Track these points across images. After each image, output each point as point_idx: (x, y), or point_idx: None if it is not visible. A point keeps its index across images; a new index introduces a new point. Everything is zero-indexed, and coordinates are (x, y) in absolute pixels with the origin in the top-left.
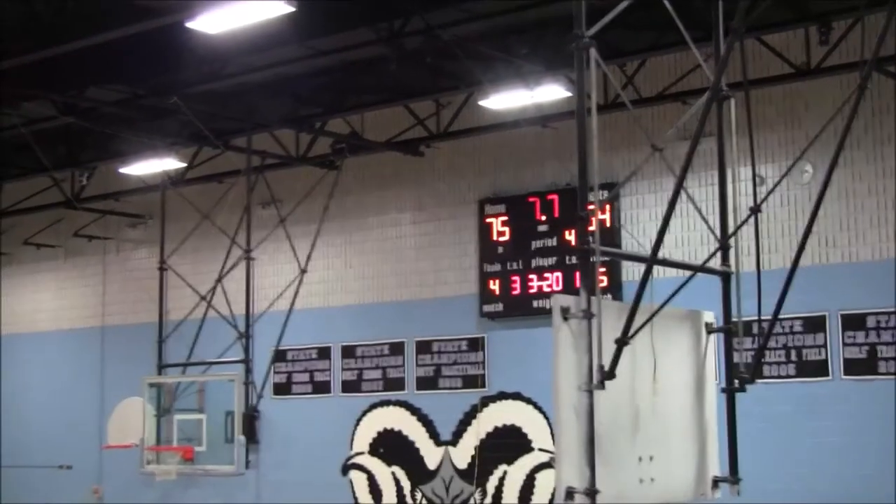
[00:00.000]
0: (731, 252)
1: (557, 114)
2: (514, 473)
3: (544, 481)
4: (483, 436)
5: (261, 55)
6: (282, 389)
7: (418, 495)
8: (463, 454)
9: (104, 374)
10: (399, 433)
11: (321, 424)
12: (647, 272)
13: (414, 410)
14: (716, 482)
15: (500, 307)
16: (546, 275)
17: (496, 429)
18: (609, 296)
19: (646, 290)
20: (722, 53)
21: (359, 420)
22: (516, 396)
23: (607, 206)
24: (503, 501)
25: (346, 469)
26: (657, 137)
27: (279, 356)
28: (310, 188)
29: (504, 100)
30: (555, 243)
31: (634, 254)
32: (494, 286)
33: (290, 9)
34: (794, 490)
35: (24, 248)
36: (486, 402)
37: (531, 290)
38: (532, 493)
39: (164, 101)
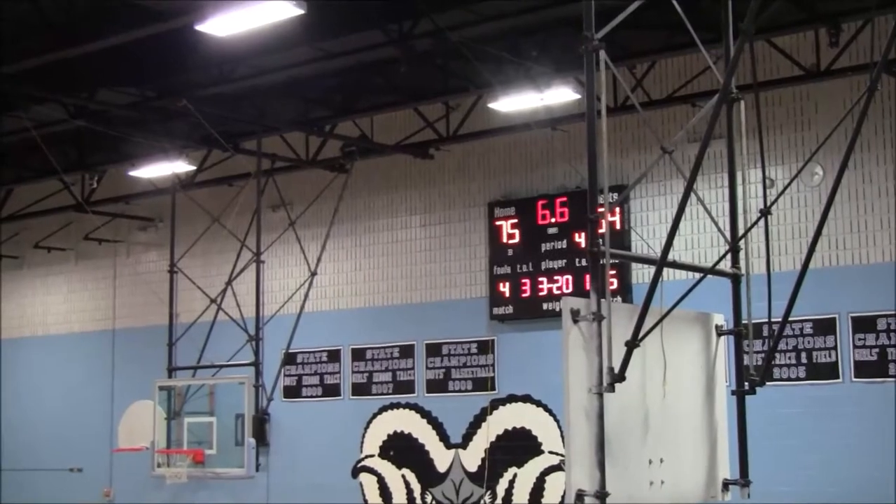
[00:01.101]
0: (741, 254)
1: (567, 116)
2: (524, 476)
3: (554, 484)
4: (493, 438)
5: (271, 58)
6: (292, 392)
7: (428, 498)
8: (473, 457)
9: (114, 377)
10: (409, 436)
11: (331, 427)
12: (657, 274)
13: (424, 413)
14: (726, 484)
15: (509, 310)
16: (556, 277)
17: (506, 431)
18: (619, 298)
19: (656, 293)
20: (732, 55)
21: (369, 423)
22: (526, 399)
23: (617, 209)
24: None
25: (356, 472)
26: (667, 139)
27: (289, 359)
28: (319, 191)
29: (513, 102)
30: (564, 246)
31: (644, 256)
32: (504, 289)
33: (300, 11)
34: (804, 492)
35: (34, 252)
36: (495, 404)
37: (541, 293)
38: (542, 496)
39: (174, 103)
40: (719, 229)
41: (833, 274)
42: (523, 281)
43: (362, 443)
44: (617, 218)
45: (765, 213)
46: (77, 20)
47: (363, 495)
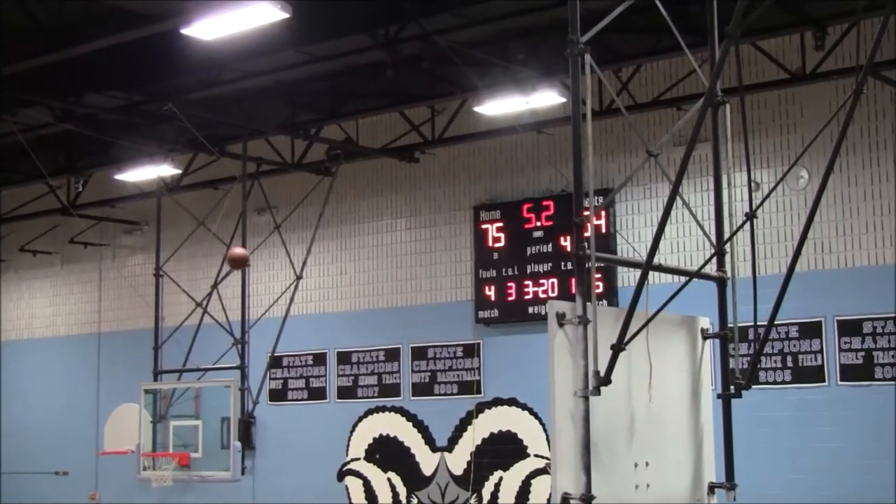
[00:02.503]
0: (727, 258)
1: (553, 119)
2: (510, 479)
3: (540, 487)
4: (478, 442)
5: (257, 61)
6: (277, 395)
7: (414, 501)
8: (458, 460)
9: (100, 381)
10: (395, 439)
11: (317, 430)
12: (643, 278)
13: (409, 416)
14: (712, 488)
15: (495, 313)
16: (541, 281)
17: (492, 435)
18: (604, 302)
19: (641, 296)
20: (717, 59)
21: (354, 426)
22: (512, 402)
23: (603, 212)
24: None
25: (341, 475)
26: (652, 143)
27: (275, 362)
28: (305, 194)
29: (499, 106)
30: (550, 249)
31: (630, 259)
32: (490, 292)
33: (286, 14)
34: (790, 496)
35: (20, 255)
36: (481, 407)
37: (526, 296)
38: (528, 499)
39: (160, 107)
40: (705, 233)
41: (819, 277)
42: (509, 284)
43: (348, 446)
44: (602, 221)
45: (750, 216)
46: (65, 24)
47: (349, 498)
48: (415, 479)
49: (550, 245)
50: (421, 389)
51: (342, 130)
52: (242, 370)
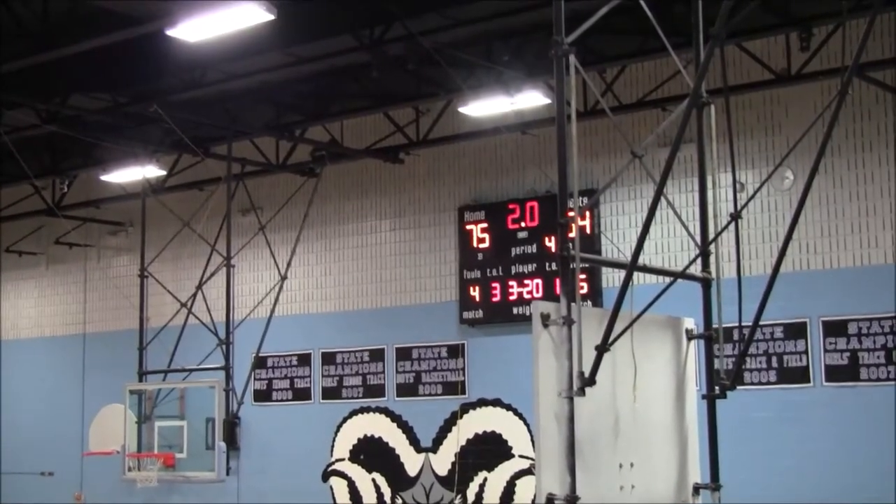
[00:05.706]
0: (712, 258)
1: (537, 120)
2: (495, 480)
3: (524, 488)
4: (463, 442)
5: (242, 62)
6: (262, 396)
7: (399, 502)
8: (443, 461)
9: (85, 381)
10: (379, 440)
11: (301, 431)
12: (628, 279)
13: (394, 417)
14: (697, 488)
15: (479, 314)
16: (526, 281)
17: (476, 435)
18: (589, 302)
19: (626, 297)
20: (702, 59)
21: (339, 427)
22: (496, 403)
23: (587, 213)
24: None
25: (326, 476)
26: (637, 144)
27: (259, 363)
28: (290, 195)
29: (484, 107)
30: (534, 250)
31: (614, 260)
32: (474, 293)
33: (271, 16)
34: (775, 497)
35: (5, 256)
36: (466, 408)
37: (511, 297)
38: (512, 500)
39: (145, 109)
40: (689, 233)
41: (804, 278)
42: (493, 285)
43: (332, 446)
44: (587, 222)
45: (735, 217)
46: (50, 26)
47: (333, 499)
48: (399, 479)
49: (535, 246)
50: (405, 390)
51: (327, 131)
52: (227, 371)
